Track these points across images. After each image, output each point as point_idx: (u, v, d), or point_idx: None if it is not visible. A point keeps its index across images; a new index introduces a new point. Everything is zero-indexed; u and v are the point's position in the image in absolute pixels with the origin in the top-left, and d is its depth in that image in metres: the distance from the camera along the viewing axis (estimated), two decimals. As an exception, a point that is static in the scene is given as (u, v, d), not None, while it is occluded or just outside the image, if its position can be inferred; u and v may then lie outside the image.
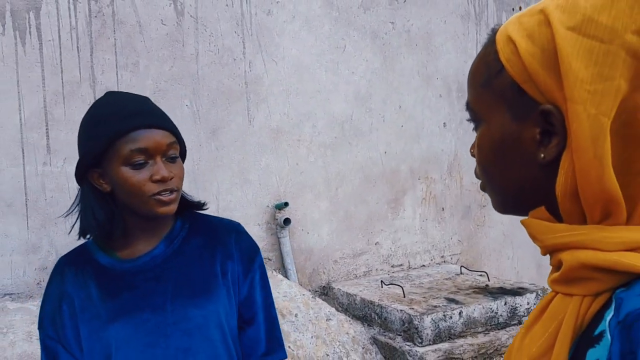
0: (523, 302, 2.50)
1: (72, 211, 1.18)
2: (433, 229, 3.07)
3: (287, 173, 2.64)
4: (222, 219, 1.28)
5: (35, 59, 2.11)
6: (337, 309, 2.54)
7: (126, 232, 1.15)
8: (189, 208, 1.25)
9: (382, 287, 2.61)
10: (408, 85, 2.95)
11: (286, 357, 1.25)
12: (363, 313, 2.49)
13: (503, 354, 2.33)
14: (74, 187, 2.14)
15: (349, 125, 2.80)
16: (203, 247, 1.19)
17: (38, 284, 2.08)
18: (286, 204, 2.59)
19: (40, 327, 1.14)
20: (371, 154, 2.86)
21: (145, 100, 1.16)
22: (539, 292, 2.55)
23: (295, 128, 2.66)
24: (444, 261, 3.11)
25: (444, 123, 3.09)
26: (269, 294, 1.25)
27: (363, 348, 2.30)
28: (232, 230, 1.24)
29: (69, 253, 1.20)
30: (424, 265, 3.04)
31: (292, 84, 2.64)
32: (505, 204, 0.67)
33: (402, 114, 2.94)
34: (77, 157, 2.20)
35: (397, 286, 2.56)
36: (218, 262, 1.18)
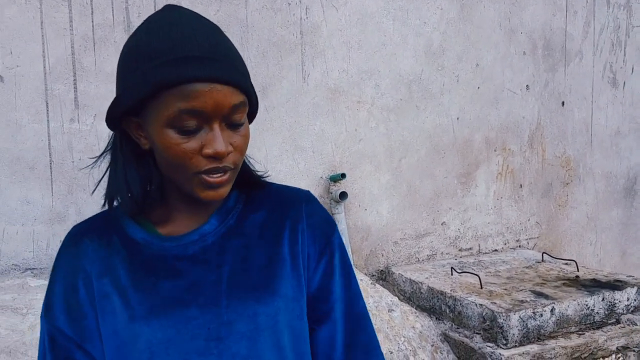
0: (622, 298, 2.11)
1: (99, 163, 0.87)
2: (508, 209, 2.68)
3: (344, 140, 2.29)
4: (287, 186, 0.94)
5: (61, -3, 1.81)
6: (398, 298, 2.21)
7: (167, 202, 0.87)
8: (248, 180, 0.91)
9: (452, 274, 2.26)
10: (488, 39, 2.54)
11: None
12: (431, 304, 2.15)
13: (599, 358, 1.97)
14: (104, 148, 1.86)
15: (417, 85, 2.41)
16: (266, 223, 0.88)
17: (63, 258, 1.82)
18: (343, 176, 2.24)
19: (46, 316, 0.84)
20: (441, 120, 2.48)
21: (213, 33, 0.80)
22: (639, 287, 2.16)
23: (355, 88, 2.30)
24: (520, 246, 2.72)
25: (527, 86, 2.66)
26: (351, 281, 0.92)
27: (432, 346, 1.97)
28: (301, 201, 0.91)
29: (87, 220, 0.89)
30: (496, 250, 2.66)
31: (354, 35, 2.27)
32: None
33: (479, 73, 2.53)
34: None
35: (471, 274, 2.21)
36: (286, 243, 0.86)
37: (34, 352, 1.54)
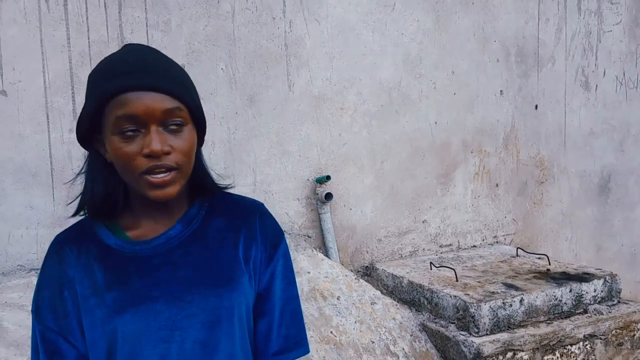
0: (589, 289, 2.26)
1: (74, 180, 1.01)
2: (485, 207, 2.83)
3: (329, 144, 2.43)
4: (243, 197, 1.08)
5: (59, 16, 1.94)
6: (381, 292, 2.35)
7: (135, 210, 0.99)
8: (211, 190, 1.05)
9: (431, 269, 2.40)
10: (462, 48, 2.68)
11: (306, 354, 1.07)
12: (411, 297, 2.29)
13: (567, 345, 2.11)
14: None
15: (396, 92, 2.56)
16: (225, 229, 1.01)
17: (64, 259, 1.95)
18: (328, 178, 2.39)
19: (36, 317, 0.97)
20: (420, 125, 2.62)
21: (153, 55, 0.94)
22: (606, 279, 2.31)
23: (339, 95, 2.44)
24: (497, 242, 2.87)
25: (501, 91, 2.81)
26: (291, 284, 1.07)
27: (411, 335, 2.11)
28: (255, 211, 1.05)
29: (67, 230, 1.01)
30: (474, 246, 2.81)
31: (336, 46, 2.41)
32: None
33: (455, 80, 2.68)
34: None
35: (448, 269, 2.35)
36: (241, 247, 1.00)
37: (40, 346, 1.67)
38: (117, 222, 0.99)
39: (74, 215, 1.00)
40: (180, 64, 2.11)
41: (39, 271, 1.92)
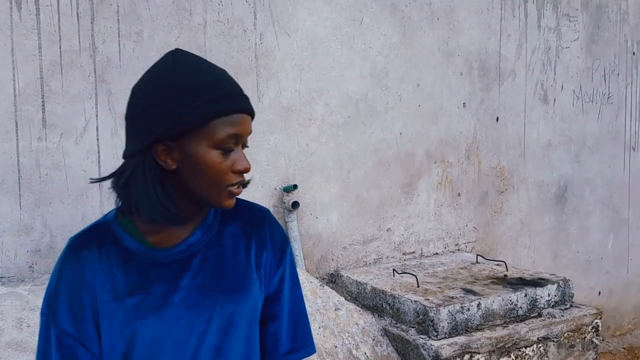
0: (544, 294, 2.38)
1: (104, 180, 1.01)
2: (448, 216, 2.93)
3: (296, 154, 2.50)
4: (251, 203, 1.14)
5: (31, 25, 1.96)
6: (346, 298, 2.42)
7: None
8: None
9: (394, 275, 2.49)
10: (427, 62, 2.79)
11: (313, 353, 1.14)
12: (374, 303, 2.37)
13: (522, 347, 2.22)
14: (70, 164, 2.01)
15: (363, 104, 2.64)
16: (238, 235, 1.07)
17: (30, 267, 1.96)
18: (295, 187, 2.45)
19: (53, 321, 0.98)
20: (386, 135, 2.71)
21: (224, 71, 1.01)
22: (560, 283, 2.43)
23: (307, 106, 2.51)
24: (459, 249, 2.98)
25: (464, 103, 2.92)
26: (297, 287, 1.14)
27: (373, 340, 2.19)
28: (265, 218, 1.11)
29: (85, 232, 1.01)
30: (437, 254, 2.91)
31: (305, 58, 2.48)
32: None
33: (420, 93, 2.78)
34: (74, 132, 2.06)
35: (410, 275, 2.44)
36: (253, 254, 1.06)
37: (3, 354, 1.67)
38: (138, 226, 1.01)
39: (121, 215, 1.00)
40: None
41: (2, 280, 1.93)
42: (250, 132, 0.98)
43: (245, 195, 2.58)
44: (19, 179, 1.95)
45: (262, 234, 1.08)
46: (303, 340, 1.12)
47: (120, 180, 0.98)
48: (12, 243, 1.93)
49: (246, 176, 0.99)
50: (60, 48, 2.01)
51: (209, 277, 1.01)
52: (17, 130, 1.94)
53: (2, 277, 1.91)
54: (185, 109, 0.93)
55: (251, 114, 1.00)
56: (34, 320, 1.71)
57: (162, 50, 2.17)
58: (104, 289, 0.97)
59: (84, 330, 0.97)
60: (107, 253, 0.99)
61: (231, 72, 2.34)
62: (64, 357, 0.97)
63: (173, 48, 2.31)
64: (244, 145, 0.99)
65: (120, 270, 0.98)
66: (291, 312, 1.11)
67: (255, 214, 1.11)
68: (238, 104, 0.97)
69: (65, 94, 2.01)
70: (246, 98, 1.00)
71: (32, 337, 1.69)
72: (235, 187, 0.97)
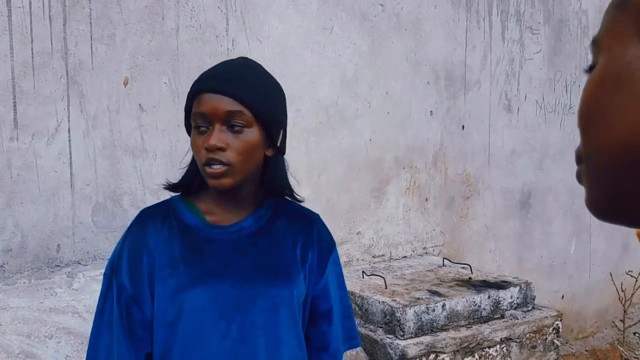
0: (506, 296, 2.46)
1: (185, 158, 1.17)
2: (416, 220, 3.01)
3: (268, 158, 2.54)
4: (303, 207, 1.23)
5: (3, 26, 1.97)
6: (316, 299, 2.46)
7: (214, 198, 1.12)
8: (280, 195, 1.18)
9: (363, 277, 2.54)
10: (395, 71, 2.87)
11: (358, 346, 1.24)
12: (343, 304, 2.42)
13: (485, 348, 2.29)
14: (42, 165, 2.02)
15: (333, 110, 2.71)
16: (287, 230, 1.15)
17: (1, 266, 1.95)
18: (267, 190, 2.49)
19: (115, 277, 1.07)
20: (356, 141, 2.78)
21: (241, 66, 1.12)
22: (522, 286, 2.52)
23: (279, 111, 2.56)
24: (426, 252, 3.05)
25: (431, 111, 3.02)
26: (342, 286, 1.23)
27: (343, 340, 2.23)
28: (314, 221, 1.20)
29: (154, 206, 1.15)
30: (405, 257, 2.98)
31: (277, 64, 2.53)
32: (609, 195, 0.43)
33: (388, 100, 2.86)
34: (46, 133, 2.07)
35: (378, 277, 2.50)
36: (299, 250, 1.14)
37: (-27, 352, 1.67)
38: (199, 206, 1.12)
39: (174, 188, 1.14)
40: (123, 77, 2.18)
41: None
42: (222, 111, 1.03)
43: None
44: (-11, 178, 1.94)
45: (310, 235, 1.16)
46: (350, 334, 1.22)
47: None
48: (-20, 242, 1.92)
49: (229, 158, 1.03)
50: (32, 50, 2.02)
51: (256, 261, 1.09)
52: (-13, 130, 1.94)
53: (-30, 276, 1.90)
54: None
55: (225, 92, 1.04)
56: (5, 319, 1.71)
57: (135, 53, 2.20)
58: (162, 255, 1.06)
59: (139, 290, 1.06)
60: (170, 225, 1.09)
61: (204, 77, 2.38)
62: (121, 311, 1.05)
63: (145, 52, 2.34)
64: (230, 125, 1.04)
65: (178, 241, 1.08)
66: (339, 311, 1.19)
67: (306, 215, 1.21)
68: (203, 85, 1.06)
69: (37, 95, 2.02)
70: (222, 79, 1.06)
71: (3, 336, 1.69)
72: (209, 166, 1.03)
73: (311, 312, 1.16)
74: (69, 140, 2.07)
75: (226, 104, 1.03)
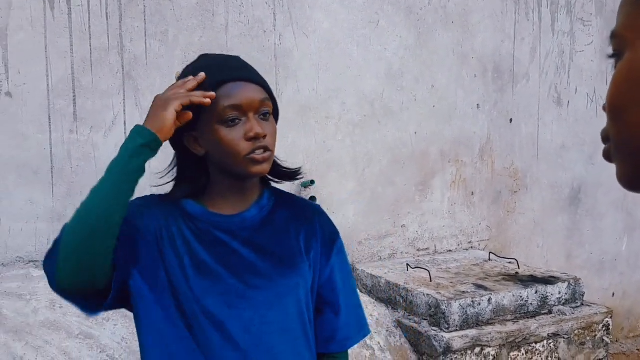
0: (554, 292, 2.42)
1: (167, 174, 1.13)
2: (461, 214, 2.99)
3: (314, 151, 2.58)
4: (303, 198, 1.25)
5: (63, 24, 2.07)
6: (361, 291, 2.49)
7: (218, 191, 1.11)
8: (285, 177, 1.18)
9: (407, 270, 2.55)
10: (442, 63, 2.85)
11: (368, 334, 1.22)
12: (387, 296, 2.43)
13: (532, 343, 2.26)
14: (99, 156, 2.12)
15: (379, 103, 2.71)
16: (289, 220, 1.14)
17: (62, 252, 2.06)
18: (312, 182, 2.53)
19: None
20: (401, 135, 2.78)
21: (236, 57, 1.12)
22: (570, 282, 2.47)
23: (324, 105, 2.59)
24: (472, 247, 3.02)
25: (478, 104, 2.98)
26: (349, 275, 1.21)
27: (387, 331, 2.25)
28: (316, 210, 1.20)
29: (145, 197, 1.12)
30: (450, 251, 2.96)
31: (323, 58, 2.56)
32: (637, 171, 0.49)
33: (434, 93, 2.84)
34: (103, 126, 2.16)
35: (423, 270, 2.50)
36: (302, 238, 1.13)
37: (37, 332, 1.78)
38: (201, 200, 1.11)
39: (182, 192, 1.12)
40: (175, 72, 2.25)
41: (36, 263, 2.03)
42: (258, 100, 1.03)
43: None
44: (52, 169, 2.05)
45: (312, 225, 1.15)
46: (359, 325, 1.20)
47: (170, 173, 1.12)
48: (45, 229, 2.03)
49: (269, 145, 1.04)
50: (90, 46, 2.11)
51: (260, 249, 1.08)
52: (50, 123, 2.05)
53: (36, 261, 2.02)
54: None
55: (251, 81, 1.04)
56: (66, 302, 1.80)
57: (186, 49, 2.27)
58: (163, 237, 1.05)
59: (133, 240, 1.03)
60: (171, 212, 1.08)
61: (252, 71, 2.43)
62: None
63: (196, 47, 2.41)
64: (262, 114, 1.04)
65: (181, 226, 1.06)
66: (346, 300, 1.17)
67: (306, 206, 1.20)
68: (228, 74, 1.03)
69: (95, 90, 2.12)
70: (243, 67, 1.06)
71: (64, 317, 1.79)
72: (255, 154, 1.02)
73: (317, 301, 1.15)
74: (125, 132, 2.16)
75: (259, 92, 1.04)
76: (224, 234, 1.08)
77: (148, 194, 1.13)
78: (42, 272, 1.96)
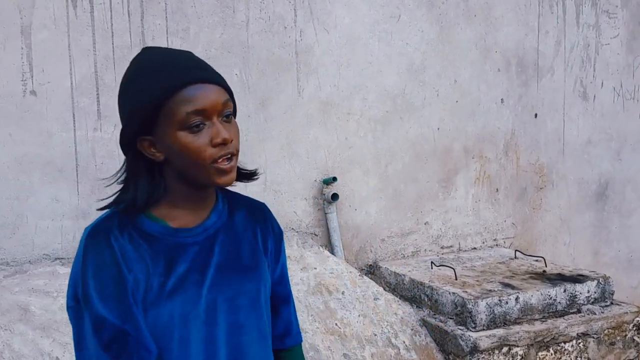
0: (583, 290, 2.36)
1: (117, 180, 1.02)
2: (486, 211, 2.94)
3: (335, 147, 2.56)
4: (249, 197, 1.18)
5: (86, 22, 2.08)
6: (384, 289, 2.45)
7: (174, 202, 1.02)
8: (243, 178, 1.12)
9: (432, 268, 2.51)
10: (464, 58, 2.81)
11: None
12: (412, 294, 2.40)
13: (561, 342, 2.21)
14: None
15: (401, 99, 2.68)
16: (246, 222, 1.11)
17: (87, 250, 2.07)
18: (334, 179, 2.50)
19: (86, 307, 0.91)
20: (423, 130, 2.74)
21: (189, 53, 1.00)
22: (600, 281, 2.41)
23: (346, 101, 2.56)
24: (497, 244, 2.97)
25: (502, 99, 2.93)
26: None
27: (412, 330, 2.21)
28: (265, 210, 1.17)
29: (101, 220, 0.98)
30: (475, 248, 2.91)
31: (344, 54, 2.54)
32: None
33: (457, 88, 2.80)
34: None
35: (448, 268, 2.46)
36: (259, 239, 1.11)
37: (64, 329, 1.78)
38: (152, 212, 1.01)
39: (105, 208, 1.00)
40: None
41: (62, 260, 2.04)
42: (221, 102, 0.94)
43: (287, 186, 2.65)
44: (77, 167, 2.06)
45: (265, 223, 1.13)
46: (297, 323, 1.21)
47: (120, 179, 1.00)
48: (71, 226, 2.04)
49: (235, 148, 0.96)
50: (113, 44, 2.12)
51: (227, 258, 1.04)
52: (74, 121, 2.06)
53: (62, 258, 2.03)
54: (140, 98, 0.93)
55: (214, 81, 0.94)
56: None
57: (207, 46, 2.26)
58: (133, 270, 0.96)
59: (127, 309, 0.93)
60: (130, 236, 0.97)
61: (272, 68, 2.44)
62: (104, 342, 0.92)
63: (217, 44, 2.40)
64: (224, 116, 0.96)
65: (145, 252, 0.97)
66: (291, 293, 1.19)
67: (257, 206, 1.16)
68: (187, 76, 0.92)
69: (118, 87, 2.11)
70: (202, 67, 0.95)
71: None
72: (221, 161, 0.95)
73: (274, 298, 1.13)
74: (147, 130, 2.16)
75: (221, 94, 0.95)
76: (188, 249, 1.01)
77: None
78: (67, 269, 1.97)
